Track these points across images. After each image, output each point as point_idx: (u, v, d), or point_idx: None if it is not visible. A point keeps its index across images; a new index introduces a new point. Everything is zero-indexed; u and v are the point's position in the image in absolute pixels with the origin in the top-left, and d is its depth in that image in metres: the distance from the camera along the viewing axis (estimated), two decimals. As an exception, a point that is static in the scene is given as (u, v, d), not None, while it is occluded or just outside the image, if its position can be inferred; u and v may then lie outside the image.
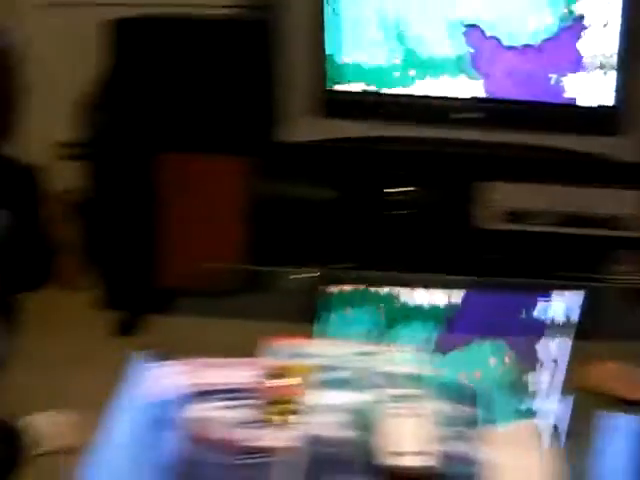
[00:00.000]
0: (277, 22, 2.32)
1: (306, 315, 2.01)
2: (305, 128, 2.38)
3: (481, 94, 2.36)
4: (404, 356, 1.52)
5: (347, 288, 2.07)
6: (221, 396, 1.39)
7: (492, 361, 1.58)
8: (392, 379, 1.41)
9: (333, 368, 1.45)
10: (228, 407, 1.36)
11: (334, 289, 2.10)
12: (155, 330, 2.59)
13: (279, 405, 1.32)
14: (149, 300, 2.69)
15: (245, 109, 2.53)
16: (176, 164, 2.51)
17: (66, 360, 2.46)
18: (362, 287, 2.07)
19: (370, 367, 1.47)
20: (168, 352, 1.53)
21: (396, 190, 2.53)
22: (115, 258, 2.70)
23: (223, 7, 2.86)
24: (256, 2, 2.83)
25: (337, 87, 2.37)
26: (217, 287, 2.12)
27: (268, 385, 1.36)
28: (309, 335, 1.62)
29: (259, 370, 1.43)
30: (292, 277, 2.17)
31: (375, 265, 2.44)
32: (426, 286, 2.07)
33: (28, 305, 2.35)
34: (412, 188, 2.54)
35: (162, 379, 1.44)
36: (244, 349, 1.66)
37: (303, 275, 2.18)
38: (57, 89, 3.07)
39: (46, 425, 2.03)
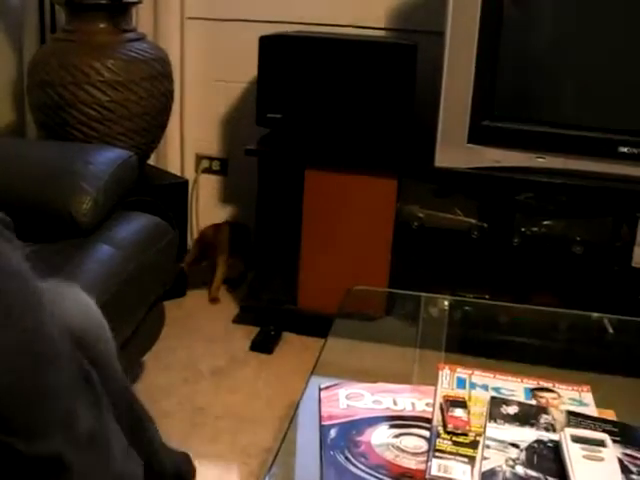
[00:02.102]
0: (444, 47, 2.27)
1: (451, 343, 1.98)
2: (460, 154, 2.33)
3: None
4: (585, 396, 1.46)
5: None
6: (394, 422, 1.36)
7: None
8: (572, 419, 1.35)
9: (509, 402, 1.40)
10: (401, 434, 1.32)
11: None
12: (297, 350, 2.58)
13: (455, 436, 1.28)
14: (291, 319, 2.67)
15: (395, 130, 2.52)
16: (324, 181, 2.50)
17: (203, 370, 2.46)
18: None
19: (549, 404, 1.42)
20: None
21: (548, 223, 2.47)
22: (259, 272, 2.70)
23: (375, 29, 2.87)
24: (409, 26, 2.84)
25: (497, 115, 2.31)
26: (360, 310, 2.09)
27: (446, 414, 1.32)
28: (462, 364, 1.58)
29: (433, 397, 1.40)
30: (436, 303, 2.14)
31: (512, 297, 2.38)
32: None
33: (171, 312, 2.40)
34: (568, 223, 2.47)
35: (337, 403, 1.41)
36: (397, 374, 1.64)
37: (447, 302, 2.15)
38: (204, 101, 3.11)
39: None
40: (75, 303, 1.45)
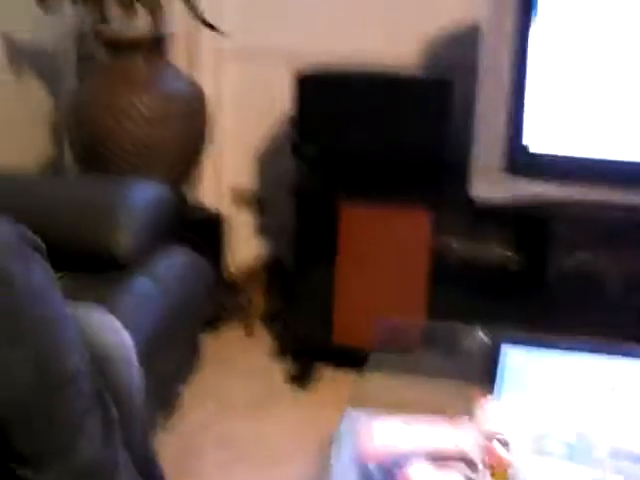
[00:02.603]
0: (476, 80, 2.28)
1: (488, 376, 1.97)
2: (496, 186, 2.32)
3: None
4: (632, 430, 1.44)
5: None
6: (433, 458, 1.35)
7: None
8: (616, 455, 1.34)
9: (551, 437, 1.38)
10: (440, 470, 1.31)
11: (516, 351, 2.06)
12: (333, 383, 2.57)
13: (496, 473, 1.26)
14: (326, 353, 2.67)
15: (430, 164, 2.52)
16: (359, 215, 2.50)
17: (239, 404, 2.45)
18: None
19: (592, 440, 1.40)
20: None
21: (587, 256, 2.45)
22: (295, 306, 2.70)
23: (409, 65, 2.88)
24: (443, 61, 2.85)
25: (532, 147, 2.31)
26: (397, 343, 2.08)
27: (486, 450, 1.31)
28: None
29: (475, 432, 1.38)
30: (473, 335, 2.13)
31: (553, 330, 2.36)
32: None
33: (207, 346, 2.40)
34: (598, 255, 2.45)
35: (375, 437, 1.40)
36: (434, 407, 1.63)
37: (482, 334, 2.14)
38: (239, 135, 3.13)
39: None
40: (103, 328, 1.45)
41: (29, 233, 1.27)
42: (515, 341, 2.14)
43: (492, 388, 1.79)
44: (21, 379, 1.14)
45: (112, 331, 1.45)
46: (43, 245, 1.29)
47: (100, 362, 1.32)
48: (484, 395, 1.56)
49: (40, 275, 1.21)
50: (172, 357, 2.01)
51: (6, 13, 2.74)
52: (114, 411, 1.28)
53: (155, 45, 2.73)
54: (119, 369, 1.40)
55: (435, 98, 2.50)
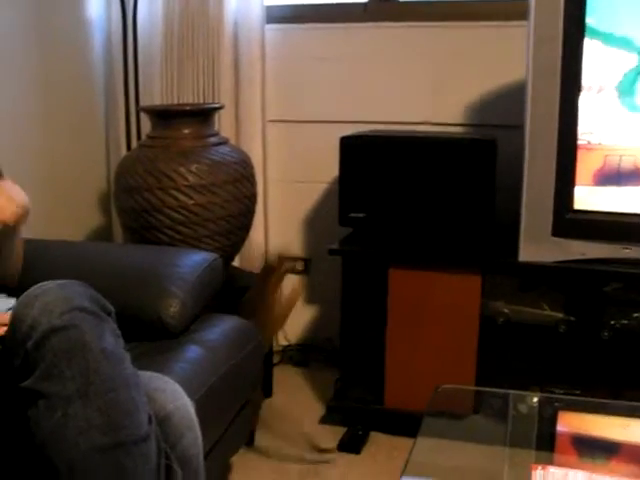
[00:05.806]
0: (524, 142, 2.28)
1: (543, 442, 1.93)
2: (545, 248, 2.31)
3: None
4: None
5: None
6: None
7: None
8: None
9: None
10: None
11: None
12: (385, 449, 2.54)
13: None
14: (378, 418, 2.64)
15: (477, 226, 2.51)
16: (408, 279, 2.49)
17: (292, 471, 2.44)
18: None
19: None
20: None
21: (634, 314, 2.41)
22: (345, 373, 2.69)
23: (452, 125, 2.90)
24: (484, 121, 2.86)
25: (581, 207, 2.29)
26: (449, 409, 2.06)
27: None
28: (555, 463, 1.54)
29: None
30: (526, 401, 2.10)
31: (606, 391, 2.33)
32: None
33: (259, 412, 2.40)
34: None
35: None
36: (489, 474, 1.60)
37: (535, 399, 2.11)
38: (285, 201, 3.16)
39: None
40: (165, 393, 1.46)
41: (100, 296, 1.31)
42: (570, 405, 2.13)
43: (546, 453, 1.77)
44: (93, 436, 1.16)
45: (174, 396, 1.46)
46: (112, 308, 1.33)
47: (162, 425, 1.34)
48: (538, 461, 1.53)
49: (111, 337, 1.25)
50: (224, 423, 2.00)
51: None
52: (179, 473, 1.29)
53: (202, 115, 2.77)
54: (182, 433, 1.42)
55: (478, 158, 2.50)
